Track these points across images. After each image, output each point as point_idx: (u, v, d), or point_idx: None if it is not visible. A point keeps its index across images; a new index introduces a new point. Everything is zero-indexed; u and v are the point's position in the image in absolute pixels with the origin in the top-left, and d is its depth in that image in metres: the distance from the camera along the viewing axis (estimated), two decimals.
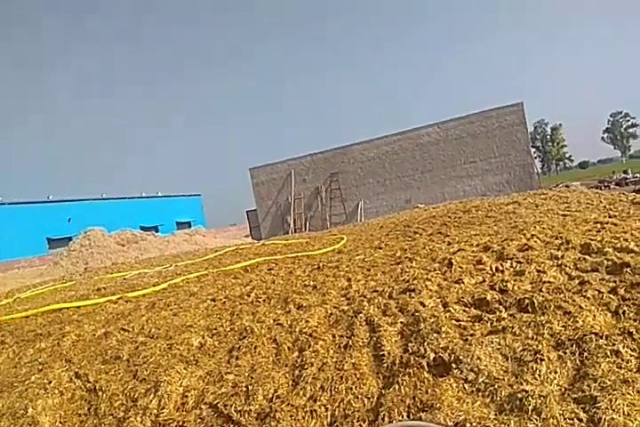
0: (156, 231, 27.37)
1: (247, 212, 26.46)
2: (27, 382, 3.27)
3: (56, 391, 3.05)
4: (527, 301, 2.75)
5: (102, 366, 3.30)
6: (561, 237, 3.87)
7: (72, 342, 3.95)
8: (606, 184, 20.59)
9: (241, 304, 4.02)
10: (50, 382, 3.17)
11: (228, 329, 3.45)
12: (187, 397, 2.69)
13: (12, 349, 4.12)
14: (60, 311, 5.09)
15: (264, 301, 4.04)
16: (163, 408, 2.61)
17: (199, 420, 2.47)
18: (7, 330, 4.84)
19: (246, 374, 2.75)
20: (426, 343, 2.52)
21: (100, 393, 2.95)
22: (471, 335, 2.54)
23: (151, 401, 2.68)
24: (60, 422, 2.80)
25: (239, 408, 2.42)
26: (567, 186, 18.34)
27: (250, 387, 2.56)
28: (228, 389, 2.61)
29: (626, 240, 3.47)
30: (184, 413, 2.57)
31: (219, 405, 2.49)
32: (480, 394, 2.07)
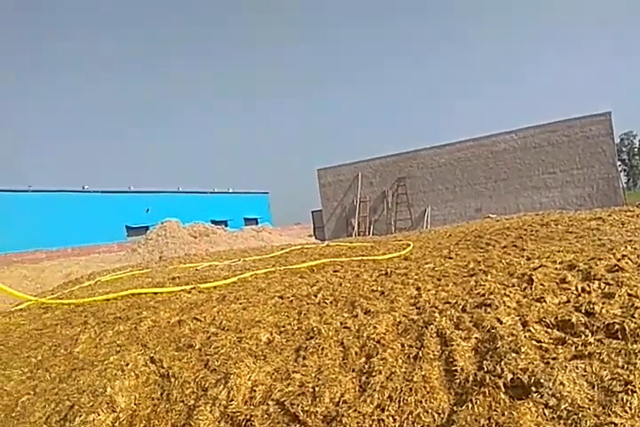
0: (226, 226, 28.38)
1: (312, 212, 26.81)
2: (106, 363, 3.47)
3: (132, 374, 3.22)
4: (617, 326, 2.54)
5: (176, 353, 3.45)
6: None
7: (148, 327, 4.17)
8: None
9: (308, 304, 4.06)
10: (127, 365, 3.35)
11: (296, 328, 3.50)
12: (255, 391, 2.74)
13: (94, 329, 4.40)
14: (139, 297, 5.40)
15: (331, 302, 4.05)
16: (232, 400, 2.68)
17: (266, 416, 2.50)
18: (90, 311, 5.20)
19: (313, 374, 2.76)
20: (503, 363, 2.40)
21: (173, 380, 3.09)
22: (553, 359, 2.39)
23: (221, 392, 2.75)
24: (135, 404, 2.95)
25: (306, 408, 2.43)
26: None
27: (317, 388, 2.57)
28: (295, 388, 2.64)
29: None
30: (252, 407, 2.62)
31: (285, 403, 2.52)
32: (562, 422, 1.95)
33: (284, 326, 3.55)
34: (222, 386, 2.81)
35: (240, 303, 4.41)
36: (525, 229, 7.74)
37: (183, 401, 2.86)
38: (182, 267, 8.95)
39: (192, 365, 3.23)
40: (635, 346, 2.35)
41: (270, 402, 2.60)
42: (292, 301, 4.25)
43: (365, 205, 23.13)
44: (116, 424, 2.80)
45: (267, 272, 6.06)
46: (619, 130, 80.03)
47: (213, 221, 28.10)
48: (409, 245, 8.34)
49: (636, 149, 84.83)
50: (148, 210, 32.93)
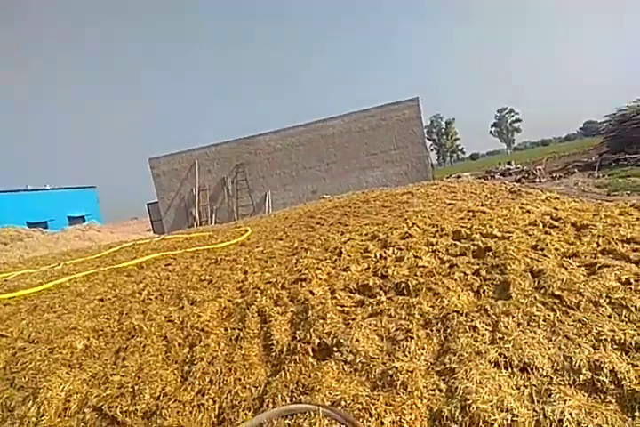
0: (45, 227, 25.05)
1: (148, 204, 25.15)
2: None
3: None
4: (403, 284, 2.99)
5: None
6: (437, 225, 4.24)
7: None
8: (492, 175, 22.53)
9: (131, 303, 3.89)
10: None
11: (116, 329, 3.33)
12: (69, 401, 2.57)
13: None
14: None
15: (156, 298, 3.94)
16: (42, 415, 2.47)
17: (82, 424, 2.38)
18: None
19: (133, 374, 2.68)
20: (312, 330, 2.65)
21: None
22: (353, 320, 2.71)
23: (29, 409, 2.52)
24: None
25: (125, 409, 2.37)
26: (458, 176, 19.82)
27: (136, 387, 2.52)
28: (114, 390, 2.54)
29: (491, 227, 3.88)
30: (66, 418, 2.46)
31: (103, 407, 2.42)
32: (357, 373, 2.24)
33: (102, 330, 3.35)
34: (31, 402, 2.57)
35: (54, 312, 4.02)
36: (350, 207, 8.47)
37: None
38: None
39: None
40: (414, 299, 2.79)
41: (87, 409, 2.47)
42: (113, 302, 4.02)
43: (205, 194, 22.60)
44: None
45: (88, 275, 5.58)
46: (429, 112, 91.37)
47: (29, 224, 24.60)
48: (247, 230, 8.47)
49: (443, 130, 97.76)
50: None
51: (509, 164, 28.54)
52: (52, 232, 21.35)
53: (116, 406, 2.39)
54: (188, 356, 2.78)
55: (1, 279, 7.06)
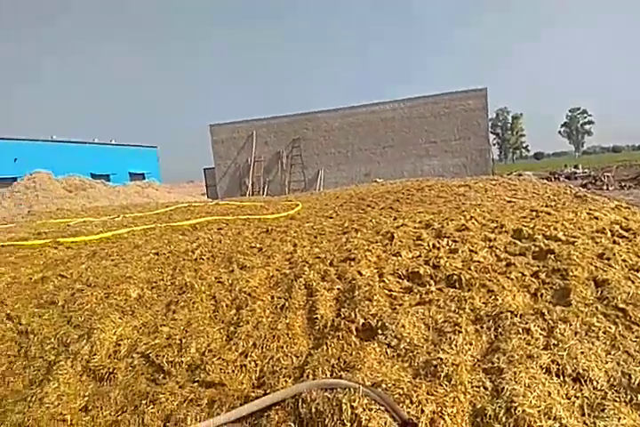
0: (107, 180, 26.26)
1: (205, 169, 25.84)
2: None
3: None
4: (455, 277, 2.92)
5: (36, 310, 3.27)
6: (497, 221, 4.09)
7: (6, 283, 3.86)
8: (556, 176, 21.54)
9: (184, 260, 4.03)
10: None
11: (169, 283, 3.48)
12: (119, 345, 2.72)
13: None
14: None
15: (208, 259, 4.06)
16: (94, 354, 2.64)
17: (130, 368, 2.51)
18: None
19: (182, 327, 2.80)
20: (357, 309, 2.65)
21: (32, 336, 2.95)
22: (400, 305, 2.69)
23: (83, 347, 2.69)
24: None
25: (171, 359, 2.48)
26: (520, 175, 19.05)
27: (183, 340, 2.63)
28: (162, 340, 2.67)
29: (555, 229, 3.71)
30: (115, 360, 2.61)
31: (151, 355, 2.54)
32: (400, 359, 2.23)
33: (156, 282, 3.51)
34: (85, 341, 2.75)
35: (112, 260, 4.24)
36: (403, 193, 8.35)
37: (42, 357, 2.75)
38: (52, 222, 8.23)
39: (53, 321, 3.09)
40: (466, 294, 2.73)
41: (135, 355, 2.60)
42: (168, 257, 4.19)
43: (260, 165, 22.93)
44: None
45: (146, 229, 5.83)
46: (495, 105, 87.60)
47: (93, 175, 25.85)
48: (297, 205, 8.55)
49: (508, 125, 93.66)
50: (15, 160, 29.21)
51: (576, 167, 27.15)
52: (114, 185, 22.43)
53: (163, 356, 2.51)
54: (234, 318, 2.87)
55: (64, 224, 7.52)
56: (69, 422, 2.17)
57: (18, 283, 3.87)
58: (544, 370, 2.01)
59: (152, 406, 2.14)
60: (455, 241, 3.59)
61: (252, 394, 2.11)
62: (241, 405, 2.04)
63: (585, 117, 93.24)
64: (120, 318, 2.95)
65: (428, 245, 3.54)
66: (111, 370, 2.50)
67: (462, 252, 3.33)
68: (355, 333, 2.49)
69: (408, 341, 2.32)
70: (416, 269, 3.09)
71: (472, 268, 3.04)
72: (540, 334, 2.30)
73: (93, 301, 3.25)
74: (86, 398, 2.34)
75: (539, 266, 3.07)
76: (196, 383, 2.27)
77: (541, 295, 2.73)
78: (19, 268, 4.21)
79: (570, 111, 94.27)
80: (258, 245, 4.38)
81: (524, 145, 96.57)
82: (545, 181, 13.81)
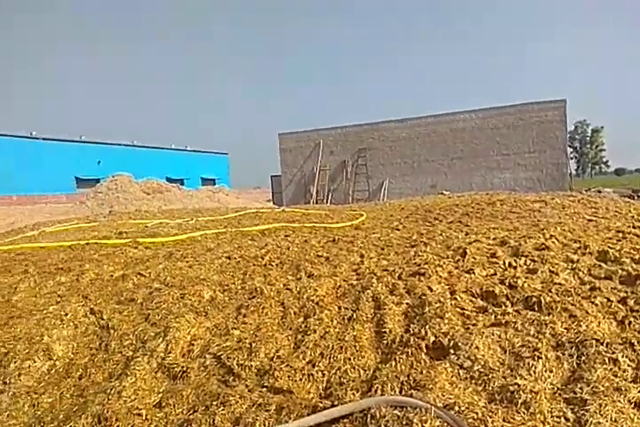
0: (182, 184, 27.71)
1: (272, 177, 26.59)
2: (44, 312, 3.44)
3: (71, 324, 3.23)
4: (535, 299, 2.77)
5: (117, 306, 3.47)
6: (580, 242, 3.85)
7: (90, 279, 4.14)
8: (639, 194, 19.96)
9: (254, 265, 4.13)
10: (66, 315, 3.34)
11: (239, 287, 3.58)
12: (193, 345, 2.83)
13: (34, 279, 4.32)
14: (82, 249, 5.31)
15: (277, 265, 4.14)
16: (169, 353, 2.75)
17: (202, 368, 2.60)
18: (31, 261, 5.07)
19: (251, 331, 2.86)
20: (427, 326, 2.58)
21: (112, 331, 3.12)
22: (473, 325, 2.59)
23: (159, 344, 2.82)
24: (72, 353, 2.97)
25: (241, 362, 2.54)
26: (599, 191, 17.83)
27: (253, 344, 2.68)
28: (233, 343, 2.74)
29: None
30: (189, 359, 2.71)
31: (222, 356, 2.62)
32: (473, 382, 2.14)
33: (227, 285, 3.63)
34: (161, 339, 2.88)
35: (187, 261, 4.44)
36: (473, 207, 8.08)
37: (121, 352, 2.90)
38: (131, 222, 8.77)
39: (132, 318, 3.26)
40: (547, 317, 2.58)
41: (207, 355, 2.69)
42: (238, 261, 4.32)
43: (325, 174, 23.18)
44: (52, 372, 2.82)
45: (217, 233, 6.06)
46: (574, 117, 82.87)
47: (169, 179, 27.39)
48: (362, 215, 8.53)
49: (587, 138, 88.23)
50: (99, 162, 31.53)
51: None
52: (188, 189, 23.58)
53: (234, 359, 2.58)
54: (302, 326, 2.89)
55: (143, 225, 7.99)
56: (144, 417, 2.27)
57: (100, 279, 4.14)
58: (633, 405, 1.86)
59: (222, 407, 2.19)
60: (534, 261, 3.42)
61: (320, 404, 2.11)
62: (308, 414, 2.05)
63: None
64: (194, 318, 3.07)
65: (504, 264, 3.39)
66: (185, 369, 2.59)
67: (542, 272, 3.16)
68: (425, 350, 2.43)
69: (482, 363, 2.23)
70: (491, 289, 2.97)
71: (553, 290, 2.88)
72: (629, 365, 2.13)
73: (170, 300, 3.41)
74: (160, 395, 2.44)
75: (626, 292, 2.85)
76: (264, 388, 2.31)
77: (629, 324, 2.52)
78: (102, 265, 4.50)
79: None
80: (325, 254, 4.41)
81: (604, 160, 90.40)
82: (627, 199, 12.81)
